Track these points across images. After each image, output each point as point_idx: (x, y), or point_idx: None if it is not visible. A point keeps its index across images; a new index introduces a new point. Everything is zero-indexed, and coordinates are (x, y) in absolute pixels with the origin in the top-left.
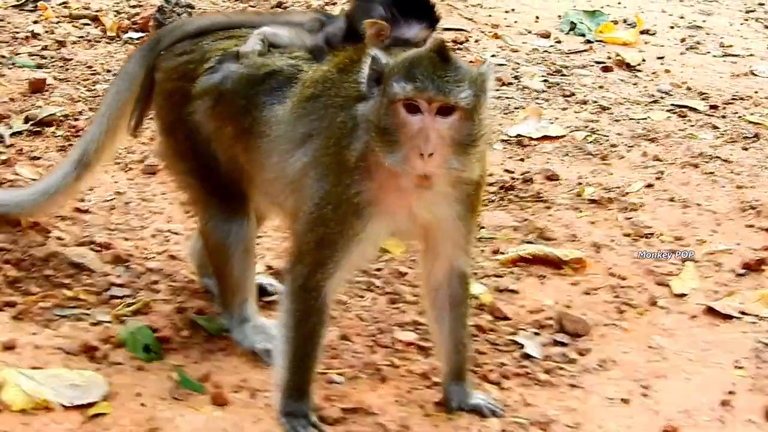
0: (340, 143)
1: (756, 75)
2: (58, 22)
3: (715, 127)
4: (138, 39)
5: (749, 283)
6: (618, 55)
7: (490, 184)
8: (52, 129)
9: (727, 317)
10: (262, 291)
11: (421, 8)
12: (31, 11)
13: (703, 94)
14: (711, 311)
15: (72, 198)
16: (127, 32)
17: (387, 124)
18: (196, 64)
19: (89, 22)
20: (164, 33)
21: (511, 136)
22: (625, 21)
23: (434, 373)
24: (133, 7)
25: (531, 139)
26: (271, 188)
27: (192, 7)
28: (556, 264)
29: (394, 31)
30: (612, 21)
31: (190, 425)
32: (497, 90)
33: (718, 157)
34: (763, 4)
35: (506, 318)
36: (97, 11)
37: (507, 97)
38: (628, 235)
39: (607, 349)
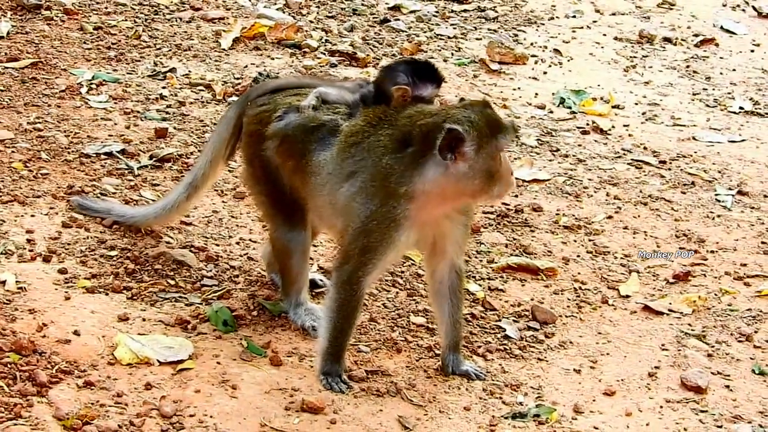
0: (389, 178)
1: (696, 140)
2: (180, 88)
3: (663, 177)
4: None
5: (677, 289)
6: (594, 122)
7: (491, 213)
8: (170, 164)
9: (659, 313)
10: (314, 284)
11: (433, 73)
12: (161, 80)
13: (656, 152)
14: (647, 308)
15: (183, 214)
16: (231, 96)
17: (492, 168)
18: (270, 113)
19: (203, 88)
20: (253, 89)
21: None
22: (602, 98)
23: (436, 348)
24: (237, 78)
25: (524, 181)
26: (323, 212)
27: (276, 78)
28: (534, 271)
29: (413, 92)
30: (592, 98)
31: (253, 379)
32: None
33: (663, 198)
34: (706, 89)
35: (494, 309)
36: (210, 80)
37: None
38: (590, 252)
39: (567, 334)
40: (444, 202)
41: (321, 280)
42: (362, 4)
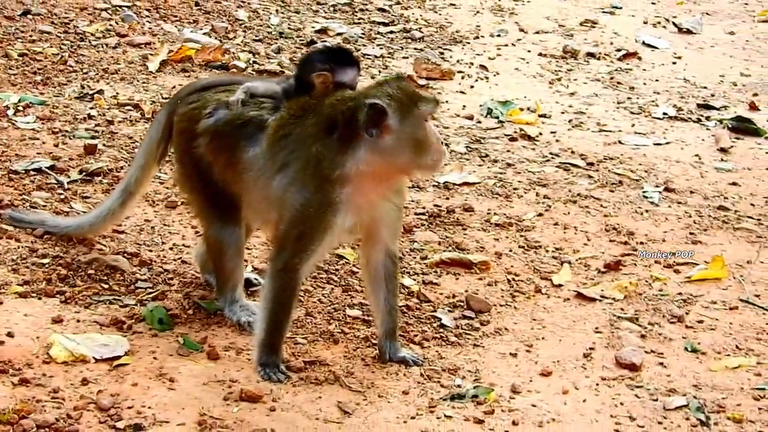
0: (321, 164)
1: (622, 143)
2: (108, 108)
3: (591, 177)
4: None
5: (609, 278)
6: (522, 130)
7: (423, 214)
8: (100, 178)
9: (592, 299)
10: (249, 283)
11: (350, 56)
12: (89, 101)
13: (583, 155)
14: (580, 295)
15: (117, 221)
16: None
17: (419, 137)
18: (199, 110)
19: (132, 108)
20: (182, 89)
21: (440, 182)
22: (528, 108)
23: (373, 338)
24: (165, 98)
25: (454, 184)
26: (258, 206)
27: None
28: (467, 265)
29: (334, 78)
30: (518, 108)
31: (191, 372)
32: None
33: (592, 196)
34: (630, 98)
35: (429, 300)
36: (138, 101)
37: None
38: (522, 247)
39: (501, 321)
40: (378, 181)
41: (256, 279)
42: (288, 28)
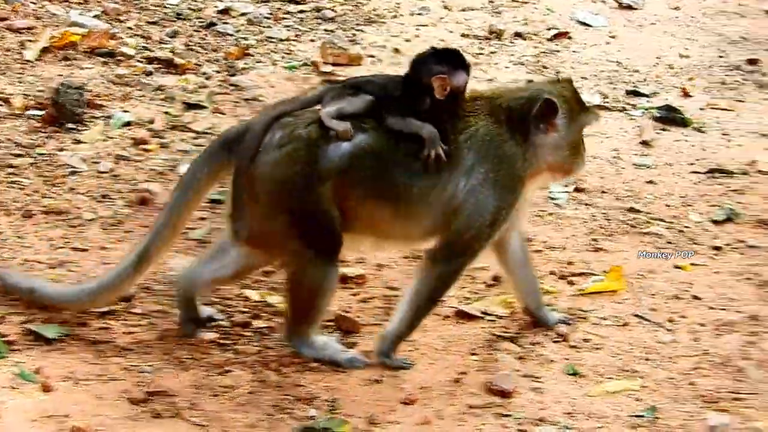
0: (514, 164)
1: None
2: None
3: None
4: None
5: (496, 291)
6: None
7: None
8: None
9: (472, 317)
10: (210, 319)
11: (464, 60)
12: None
13: None
14: (460, 313)
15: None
16: (30, 109)
17: (577, 142)
18: (299, 151)
19: (1, 102)
20: (229, 135)
21: None
22: None
23: (226, 364)
24: (39, 91)
25: None
26: (418, 216)
27: (82, 88)
28: (343, 280)
29: (451, 81)
30: None
31: (21, 406)
32: None
33: None
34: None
35: None
36: (9, 94)
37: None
38: (406, 257)
39: (370, 343)
40: (538, 177)
41: (216, 315)
42: (188, 8)
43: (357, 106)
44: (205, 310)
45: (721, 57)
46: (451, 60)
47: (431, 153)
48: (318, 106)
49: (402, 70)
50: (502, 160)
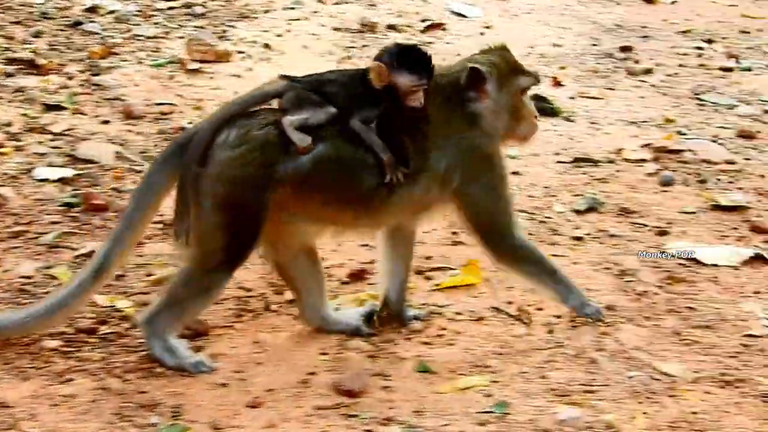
0: (484, 148)
1: None
2: None
3: None
4: None
5: (351, 289)
6: None
7: (158, 222)
8: None
9: None
10: None
11: (416, 64)
12: None
13: None
14: None
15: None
16: None
17: (514, 107)
18: (256, 153)
19: None
20: (188, 134)
21: None
22: None
23: (67, 372)
24: None
25: None
26: (407, 206)
27: None
28: None
29: (391, 75)
30: None
31: None
32: None
33: None
34: None
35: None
36: None
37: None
38: (263, 257)
39: (218, 346)
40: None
41: None
42: (54, 7)
43: (320, 119)
44: None
45: (594, 45)
46: (404, 57)
47: (392, 179)
48: (274, 103)
49: (272, 66)
50: (472, 149)
